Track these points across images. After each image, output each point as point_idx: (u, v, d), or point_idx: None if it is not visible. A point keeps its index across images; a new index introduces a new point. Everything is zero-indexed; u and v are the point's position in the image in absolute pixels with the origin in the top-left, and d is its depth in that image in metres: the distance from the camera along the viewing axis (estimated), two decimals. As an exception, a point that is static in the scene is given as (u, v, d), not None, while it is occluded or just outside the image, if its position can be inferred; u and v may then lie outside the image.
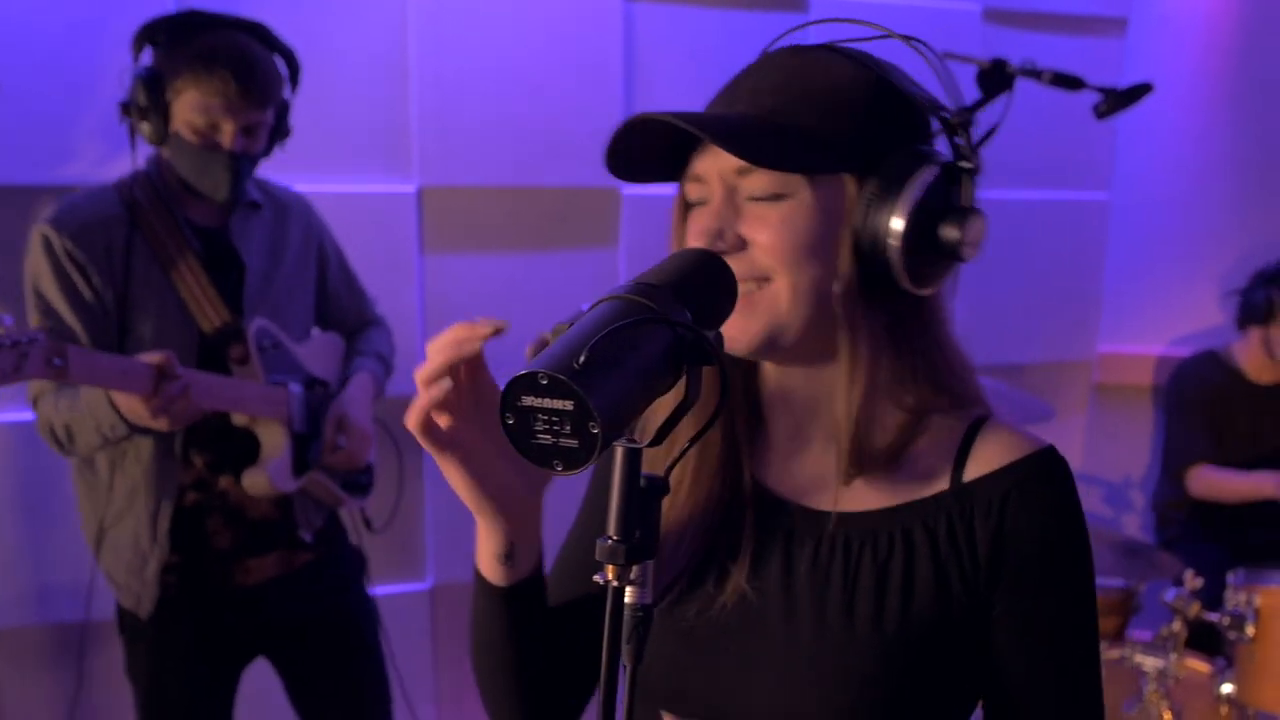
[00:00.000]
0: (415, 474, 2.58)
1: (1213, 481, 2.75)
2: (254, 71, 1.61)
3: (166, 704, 1.75)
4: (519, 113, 2.49)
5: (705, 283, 0.69)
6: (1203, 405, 2.80)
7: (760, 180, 0.78)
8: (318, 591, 1.84)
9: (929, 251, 0.79)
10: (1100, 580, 2.37)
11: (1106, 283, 3.27)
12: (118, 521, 1.69)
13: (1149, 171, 3.24)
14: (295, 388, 1.76)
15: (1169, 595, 2.12)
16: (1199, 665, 2.13)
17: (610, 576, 0.62)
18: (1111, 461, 3.39)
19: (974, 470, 0.82)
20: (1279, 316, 2.67)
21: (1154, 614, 2.70)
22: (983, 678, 0.84)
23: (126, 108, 1.63)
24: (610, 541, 0.61)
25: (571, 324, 0.62)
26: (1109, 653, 2.18)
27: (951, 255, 0.80)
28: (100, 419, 1.54)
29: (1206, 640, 2.38)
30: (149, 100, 1.59)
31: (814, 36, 0.89)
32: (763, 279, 0.79)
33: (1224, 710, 2.02)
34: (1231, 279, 3.11)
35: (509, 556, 0.80)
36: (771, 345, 0.81)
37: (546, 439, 0.57)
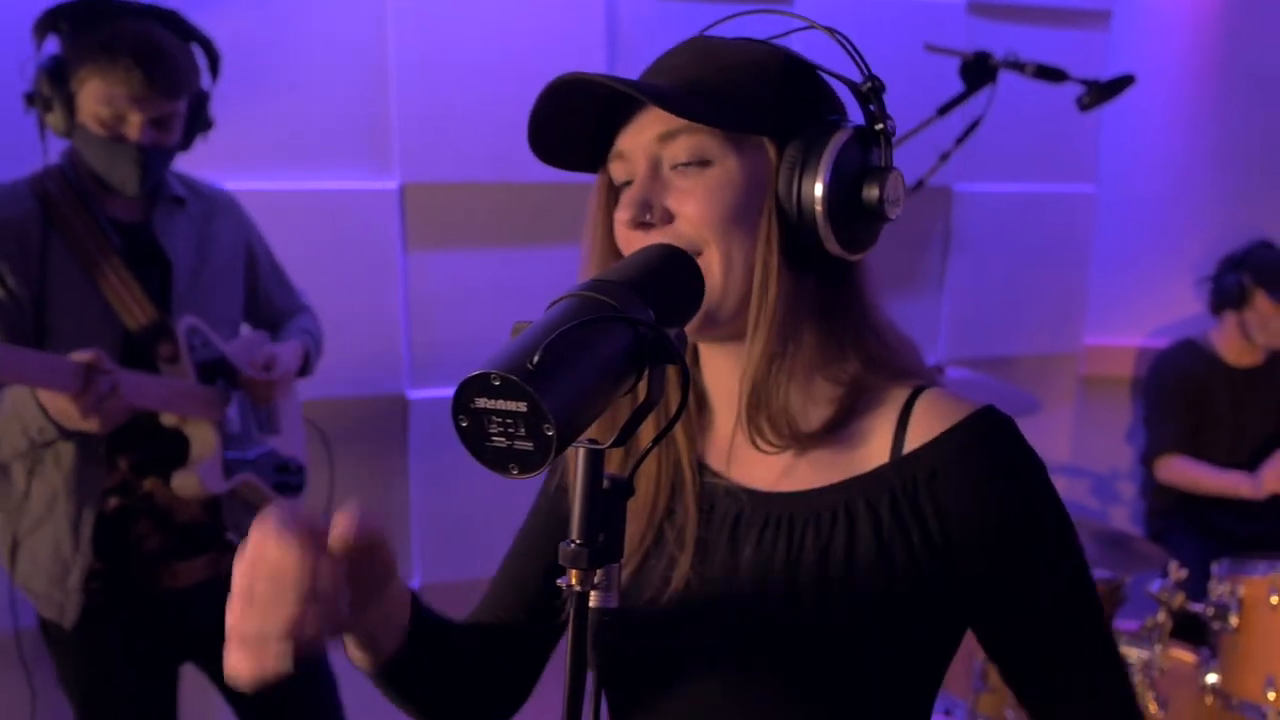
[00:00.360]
0: (382, 474, 2.55)
1: (1184, 472, 2.78)
2: (161, 60, 1.55)
3: (104, 713, 1.72)
4: (502, 107, 2.46)
5: (669, 279, 0.68)
6: (1182, 393, 2.83)
7: (684, 145, 0.78)
8: None
9: (852, 213, 0.79)
10: (1086, 572, 2.38)
11: (1092, 275, 3.28)
12: (35, 530, 1.64)
13: (1134, 164, 3.25)
14: (222, 384, 1.73)
15: (1154, 586, 2.12)
16: (1184, 656, 2.14)
17: (573, 581, 0.60)
18: (1098, 453, 3.40)
19: (913, 441, 0.80)
20: (1252, 300, 2.69)
21: (1140, 605, 2.70)
22: (993, 655, 0.83)
23: (31, 98, 1.59)
24: (573, 545, 0.60)
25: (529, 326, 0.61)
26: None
27: (874, 215, 0.80)
28: (28, 421, 1.50)
29: (1192, 631, 2.39)
30: (53, 91, 1.55)
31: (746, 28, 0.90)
32: (693, 253, 0.78)
33: (1209, 700, 2.02)
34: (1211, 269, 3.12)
35: (370, 647, 0.78)
36: (710, 320, 0.80)
37: (501, 442, 0.56)
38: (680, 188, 0.79)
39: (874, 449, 0.82)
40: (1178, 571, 2.12)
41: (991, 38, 2.80)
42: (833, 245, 0.79)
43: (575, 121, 0.82)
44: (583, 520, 0.61)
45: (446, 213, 2.52)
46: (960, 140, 2.20)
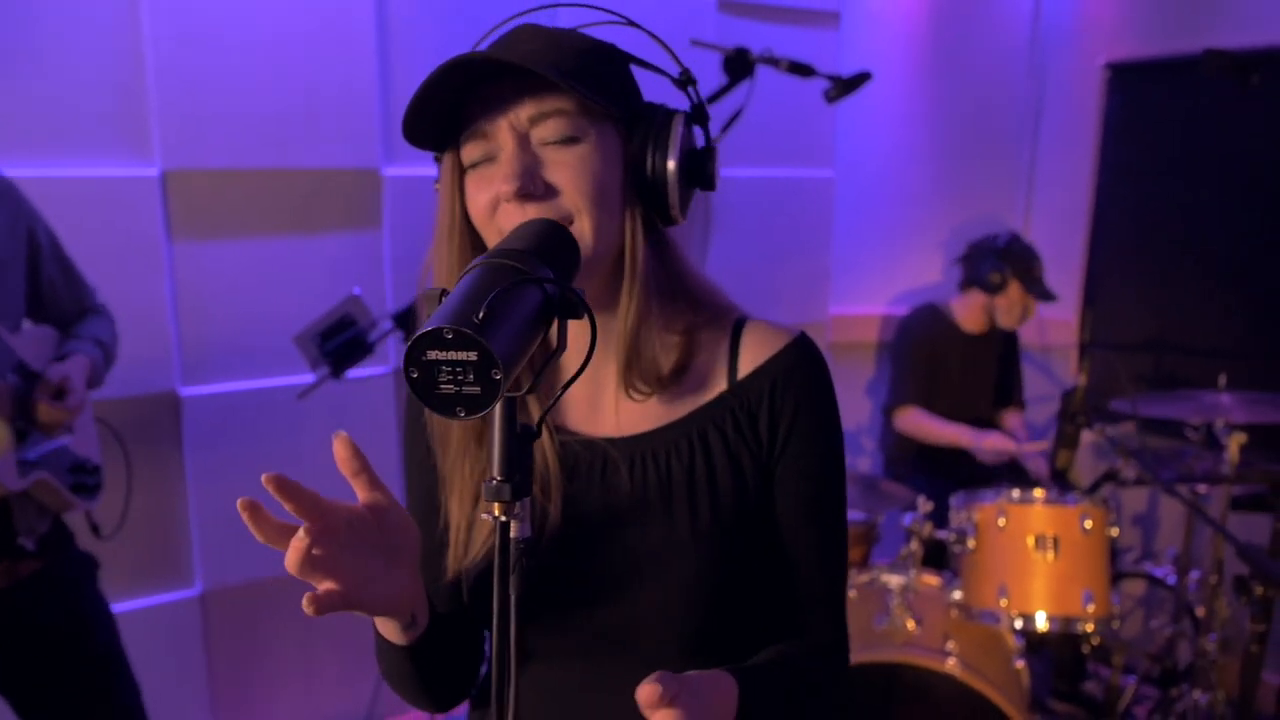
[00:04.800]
0: (156, 477, 2.42)
1: (918, 423, 3.15)
2: None
3: None
4: (268, 90, 2.39)
5: (556, 246, 0.76)
6: (921, 353, 3.20)
7: (557, 124, 0.84)
8: (45, 603, 1.71)
9: (690, 185, 0.92)
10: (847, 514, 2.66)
11: (834, 251, 3.62)
12: None
13: (866, 151, 3.62)
14: (13, 379, 1.62)
15: (907, 519, 2.42)
16: (932, 579, 2.45)
17: (497, 513, 0.68)
18: (845, 411, 3.74)
19: (745, 367, 0.96)
20: (1007, 289, 3.08)
21: (890, 543, 3.05)
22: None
23: None
24: (496, 482, 0.68)
25: (442, 293, 0.68)
26: (858, 578, 2.46)
27: (703, 185, 0.93)
28: None
29: (935, 558, 2.74)
30: None
31: (549, 19, 0.97)
32: (566, 223, 0.85)
33: (954, 614, 2.33)
34: (938, 244, 3.54)
35: (410, 625, 0.85)
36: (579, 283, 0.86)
37: (450, 389, 0.62)
38: (556, 160, 0.85)
39: (713, 380, 0.96)
40: (925, 504, 2.43)
41: (740, 34, 3.03)
42: (677, 214, 0.90)
43: (437, 102, 0.85)
44: (503, 459, 0.68)
45: (212, 201, 2.40)
46: (724, 129, 2.38)
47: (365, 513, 0.77)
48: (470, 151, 0.87)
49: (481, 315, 0.61)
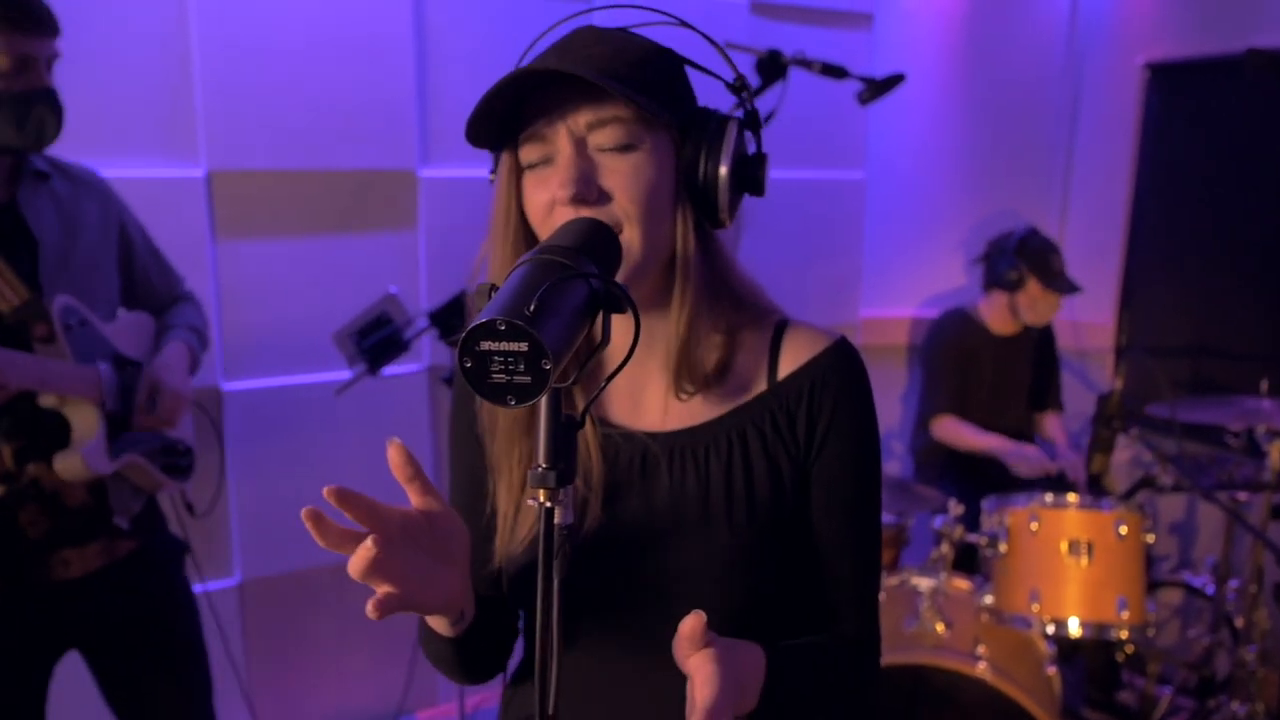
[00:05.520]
0: (198, 469, 2.47)
1: (954, 432, 3.13)
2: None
3: None
4: (309, 94, 2.44)
5: (600, 243, 0.78)
6: (953, 360, 3.17)
7: (614, 133, 0.87)
8: (140, 583, 1.77)
9: (740, 191, 0.94)
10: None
11: (865, 253, 3.61)
12: None
13: (898, 153, 3.61)
14: (105, 367, 1.67)
15: (937, 522, 2.41)
16: (963, 583, 2.44)
17: (543, 499, 0.69)
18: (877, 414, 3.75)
19: (785, 369, 0.97)
20: (1025, 285, 3.05)
21: (920, 546, 3.03)
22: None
23: None
24: (541, 469, 0.69)
25: (492, 288, 0.70)
26: (889, 580, 2.45)
27: (755, 191, 0.95)
28: None
29: (966, 563, 2.73)
30: None
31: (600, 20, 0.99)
32: (616, 228, 0.87)
33: (984, 618, 2.32)
34: (969, 246, 3.52)
35: (459, 620, 0.88)
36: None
37: (501, 378, 0.64)
38: (612, 168, 0.87)
39: (753, 380, 0.98)
40: (956, 507, 2.42)
41: (772, 36, 3.04)
42: (725, 218, 0.92)
43: (501, 108, 0.87)
44: (549, 448, 0.70)
45: (255, 201, 2.46)
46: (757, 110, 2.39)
47: (418, 517, 0.79)
48: (528, 153, 0.90)
49: (533, 308, 0.63)
